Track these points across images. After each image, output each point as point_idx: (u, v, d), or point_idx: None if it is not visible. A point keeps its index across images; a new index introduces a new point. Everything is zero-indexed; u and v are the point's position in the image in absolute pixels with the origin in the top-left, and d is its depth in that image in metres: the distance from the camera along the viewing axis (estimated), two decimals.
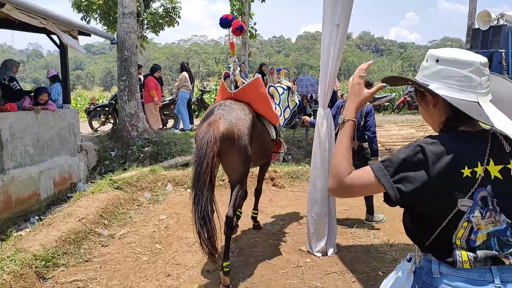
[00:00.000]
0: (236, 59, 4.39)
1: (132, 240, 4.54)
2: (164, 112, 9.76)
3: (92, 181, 7.36)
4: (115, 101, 9.22)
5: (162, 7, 14.38)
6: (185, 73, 9.45)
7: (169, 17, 14.30)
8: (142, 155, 8.08)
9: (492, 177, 1.24)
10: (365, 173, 1.31)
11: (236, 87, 4.06)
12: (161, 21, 14.33)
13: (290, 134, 9.20)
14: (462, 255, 1.25)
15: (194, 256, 4.09)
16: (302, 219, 5.21)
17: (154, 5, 14.75)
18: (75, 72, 65.00)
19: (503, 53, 10.43)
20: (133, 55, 8.22)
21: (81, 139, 8.02)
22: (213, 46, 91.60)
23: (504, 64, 10.42)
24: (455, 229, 1.25)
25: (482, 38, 11.09)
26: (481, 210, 1.24)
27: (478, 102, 1.27)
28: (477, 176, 1.23)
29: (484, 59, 1.29)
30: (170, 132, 8.99)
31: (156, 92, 8.70)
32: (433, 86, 1.31)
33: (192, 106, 13.97)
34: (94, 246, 4.35)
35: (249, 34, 14.53)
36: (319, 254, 4.07)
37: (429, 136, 1.32)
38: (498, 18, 10.71)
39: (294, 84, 5.23)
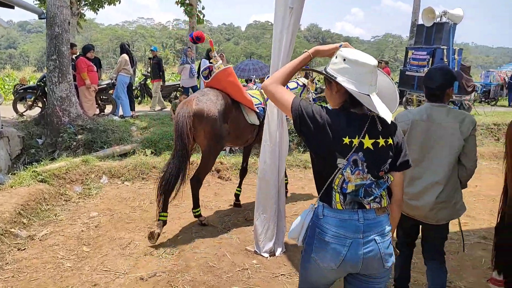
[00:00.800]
0: (216, 54, 5.07)
1: (55, 242, 3.97)
2: (102, 97, 8.95)
3: (15, 171, 6.53)
4: (44, 83, 8.28)
5: None
6: (125, 55, 8.70)
7: None
8: (74, 143, 7.32)
9: (365, 147, 1.72)
10: (287, 95, 1.83)
11: None
12: None
13: None
14: (336, 197, 1.75)
15: (127, 260, 3.63)
16: (249, 214, 4.90)
17: None
18: (7, 51, 59.63)
19: (445, 50, 10.80)
20: (65, 32, 7.36)
21: (1, 125, 7.08)
22: (160, 30, 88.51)
23: (446, 60, 10.80)
24: (334, 179, 1.74)
25: (426, 34, 11.39)
26: (351, 168, 1.72)
27: (369, 95, 1.68)
28: (353, 145, 1.70)
29: (375, 62, 1.70)
30: (107, 119, 8.27)
31: (89, 74, 7.90)
32: (340, 79, 1.72)
33: (135, 91, 13.14)
34: (8, 250, 3.73)
35: (196, 18, 13.86)
36: (266, 255, 3.78)
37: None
38: (441, 16, 11.05)
39: (312, 83, 5.32)
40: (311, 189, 6.09)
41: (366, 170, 1.73)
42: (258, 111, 4.56)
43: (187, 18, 13.68)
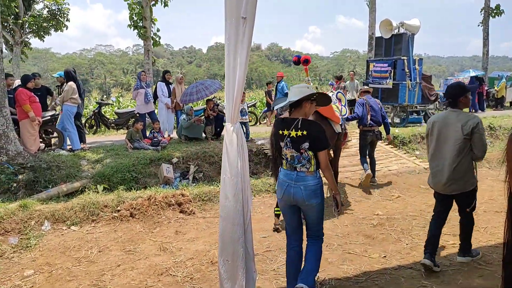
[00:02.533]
0: (309, 79, 5.96)
1: None
2: (47, 130, 8.10)
3: None
4: None
5: (47, 9, 12.46)
6: (72, 84, 7.92)
7: (55, 20, 12.43)
8: (14, 185, 6.44)
9: (292, 135, 3.03)
10: None
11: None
12: (45, 24, 12.39)
13: (199, 148, 8.23)
14: (284, 162, 3.15)
15: None
16: (215, 256, 4.28)
17: (37, 6, 12.76)
18: None
19: (405, 60, 10.76)
20: None
21: None
22: (120, 56, 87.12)
23: (407, 71, 10.75)
24: (282, 152, 3.14)
25: (385, 46, 11.37)
26: (285, 147, 3.08)
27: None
28: (285, 134, 3.07)
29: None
30: (53, 154, 7.43)
31: (32, 106, 7.10)
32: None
33: (89, 121, 12.28)
34: None
35: (152, 41, 13.30)
36: None
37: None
38: (399, 27, 11.06)
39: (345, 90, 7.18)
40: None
41: (292, 148, 3.07)
42: (341, 122, 5.84)
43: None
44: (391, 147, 9.05)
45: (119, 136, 11.57)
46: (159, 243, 4.72)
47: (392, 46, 11.20)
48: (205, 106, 9.55)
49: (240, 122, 7.34)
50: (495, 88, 16.65)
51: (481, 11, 19.39)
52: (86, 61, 72.92)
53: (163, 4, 13.31)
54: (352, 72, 12.87)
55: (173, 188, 7.10)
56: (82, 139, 8.25)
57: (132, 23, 12.74)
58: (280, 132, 3.12)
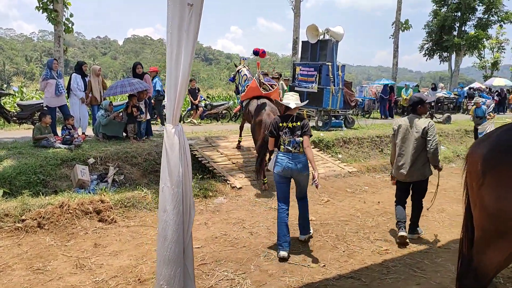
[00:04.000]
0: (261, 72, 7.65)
1: None
2: None
3: None
4: None
5: None
6: None
7: None
8: None
9: (289, 126, 4.33)
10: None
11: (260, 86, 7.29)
12: None
13: (120, 148, 7.49)
14: (281, 146, 4.37)
15: None
16: (144, 272, 3.80)
17: None
18: None
19: (330, 66, 11.09)
20: None
21: None
22: (23, 42, 78.91)
23: (331, 76, 11.09)
24: (280, 139, 4.39)
25: (311, 51, 11.60)
26: (284, 135, 4.33)
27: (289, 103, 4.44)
28: (284, 125, 4.35)
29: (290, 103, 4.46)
30: None
31: None
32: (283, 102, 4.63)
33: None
34: None
35: (64, 27, 11.96)
36: None
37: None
38: (324, 33, 11.37)
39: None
40: (216, 224, 5.23)
41: (290, 135, 4.30)
42: None
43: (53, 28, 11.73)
44: (318, 151, 9.22)
45: (23, 131, 10.18)
46: (74, 259, 4.08)
47: (317, 51, 11.47)
48: (126, 101, 8.79)
49: (138, 121, 8.06)
50: (404, 96, 17.93)
51: (392, 24, 21.02)
52: None
53: None
54: (276, 73, 12.95)
55: (89, 192, 6.33)
56: None
57: (41, 5, 11.29)
58: (280, 124, 4.40)
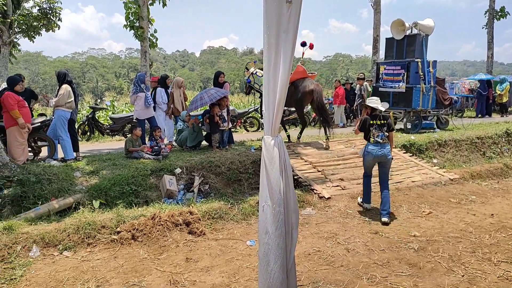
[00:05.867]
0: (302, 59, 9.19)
1: None
2: (36, 138, 7.33)
3: None
4: None
5: (37, 7, 11.67)
6: (67, 86, 7.18)
7: (47, 19, 11.65)
8: None
9: (377, 123, 5.62)
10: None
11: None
12: (36, 23, 11.60)
13: (204, 157, 7.51)
14: (371, 139, 5.62)
15: None
16: None
17: (27, 5, 11.99)
18: None
19: (419, 63, 10.18)
20: None
21: None
22: (112, 60, 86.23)
23: (421, 73, 10.17)
24: (370, 132, 5.63)
25: (397, 48, 10.77)
26: (374, 129, 5.61)
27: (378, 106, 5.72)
28: (373, 123, 5.61)
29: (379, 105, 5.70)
30: (44, 165, 6.69)
31: (21, 111, 6.35)
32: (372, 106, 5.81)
33: (82, 127, 11.50)
34: None
35: (149, 42, 12.57)
36: None
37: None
38: (412, 28, 10.49)
39: None
40: (306, 239, 4.87)
41: (379, 130, 5.58)
42: None
43: (139, 46, 12.40)
44: (410, 155, 8.42)
45: (115, 143, 10.83)
46: (167, 274, 4.02)
47: (404, 47, 10.61)
48: (203, 111, 8.95)
49: (221, 130, 7.68)
50: (498, 91, 15.93)
51: (485, 13, 18.99)
52: (78, 65, 71.90)
53: (161, 4, 12.59)
54: (361, 73, 12.27)
55: (177, 202, 6.39)
56: (75, 148, 7.49)
57: (129, 23, 11.98)
58: (371, 122, 5.61)
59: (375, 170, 5.86)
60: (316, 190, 6.56)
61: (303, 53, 8.92)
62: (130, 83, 59.30)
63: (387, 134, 5.61)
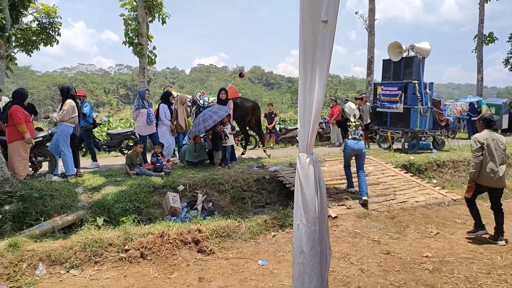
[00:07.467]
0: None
1: None
2: (37, 153, 7.18)
3: None
4: None
5: (36, 22, 11.62)
6: (71, 101, 7.08)
7: (46, 33, 11.59)
8: (0, 216, 5.52)
9: (354, 125, 7.08)
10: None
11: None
12: (34, 38, 11.53)
13: (207, 175, 7.44)
14: (350, 136, 7.02)
15: None
16: None
17: (26, 19, 11.92)
18: None
19: (417, 84, 10.38)
20: None
21: None
22: (101, 76, 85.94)
23: (418, 95, 10.36)
24: (349, 130, 7.04)
25: (394, 69, 10.98)
26: (350, 129, 7.03)
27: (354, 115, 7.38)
28: (350, 124, 7.07)
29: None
30: (45, 180, 6.54)
31: (27, 125, 6.24)
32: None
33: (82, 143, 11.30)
34: None
35: (148, 59, 12.59)
36: None
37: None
38: (409, 50, 10.73)
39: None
40: None
41: (355, 129, 7.03)
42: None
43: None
44: (411, 175, 8.49)
45: (112, 159, 10.67)
46: None
47: (401, 69, 10.82)
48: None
49: (223, 146, 7.76)
50: (484, 109, 16.17)
51: (474, 38, 19.58)
52: (67, 80, 71.43)
53: (160, 21, 12.66)
54: (364, 95, 12.42)
55: (180, 220, 6.29)
56: (76, 164, 7.36)
57: (128, 40, 12.01)
58: (348, 123, 7.03)
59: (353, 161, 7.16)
60: None
61: (234, 77, 12.15)
62: (119, 99, 59.18)
63: (361, 132, 7.07)
